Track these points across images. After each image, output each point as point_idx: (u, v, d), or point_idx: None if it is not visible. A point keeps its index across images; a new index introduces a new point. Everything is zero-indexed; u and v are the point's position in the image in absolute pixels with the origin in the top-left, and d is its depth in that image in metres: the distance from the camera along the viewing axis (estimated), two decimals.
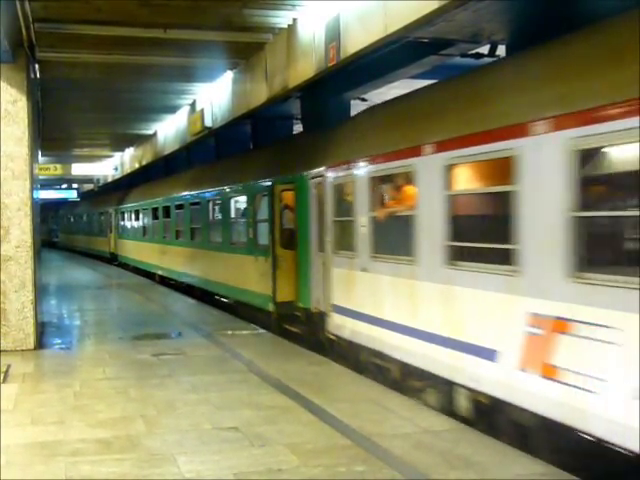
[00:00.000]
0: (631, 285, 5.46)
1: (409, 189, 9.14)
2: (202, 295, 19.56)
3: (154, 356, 10.99)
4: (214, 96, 17.60)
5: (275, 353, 11.25)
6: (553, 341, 6.34)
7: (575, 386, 6.06)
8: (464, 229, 7.96)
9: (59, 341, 12.57)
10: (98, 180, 43.96)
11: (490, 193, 7.90)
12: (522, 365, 6.75)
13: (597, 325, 5.82)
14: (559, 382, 6.25)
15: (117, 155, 35.70)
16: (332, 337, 11.20)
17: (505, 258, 6.98)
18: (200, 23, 12.23)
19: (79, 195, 49.67)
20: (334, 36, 10.34)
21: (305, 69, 11.56)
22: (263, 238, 14.55)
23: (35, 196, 12.49)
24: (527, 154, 6.66)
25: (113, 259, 35.29)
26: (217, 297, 18.56)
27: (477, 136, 7.43)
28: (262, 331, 13.44)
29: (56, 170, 36.44)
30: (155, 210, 25.91)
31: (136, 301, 19.11)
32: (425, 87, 10.18)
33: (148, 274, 27.01)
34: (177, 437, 6.85)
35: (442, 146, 8.08)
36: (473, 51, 11.92)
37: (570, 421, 6.19)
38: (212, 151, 23.72)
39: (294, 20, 11.89)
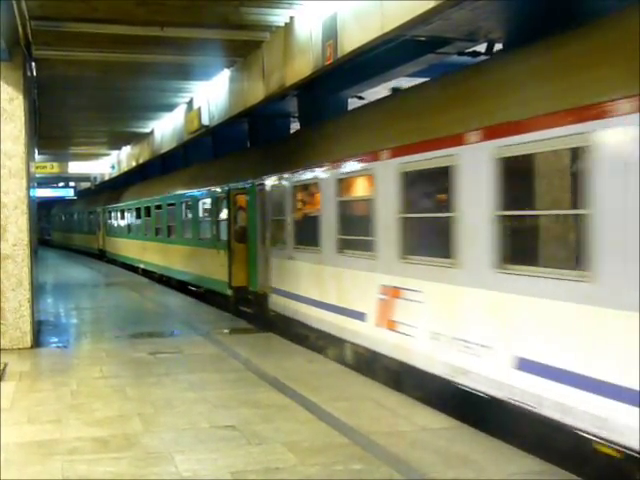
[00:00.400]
0: (426, 263, 8.44)
1: (317, 196, 11.91)
2: (180, 286, 21.71)
3: (151, 354, 10.99)
4: (211, 94, 17.59)
5: (272, 351, 11.26)
6: (392, 303, 9.20)
7: (404, 333, 8.88)
8: (348, 226, 10.86)
9: (56, 339, 12.56)
10: (95, 178, 43.92)
11: (362, 200, 10.67)
12: (377, 322, 9.60)
13: (412, 290, 8.73)
14: (397, 332, 9.07)
15: (114, 153, 35.66)
16: (273, 313, 13.92)
17: (369, 246, 9.86)
18: (197, 21, 12.22)
19: (76, 193, 49.70)
20: (331, 34, 10.34)
21: (302, 67, 11.56)
22: (224, 234, 17.16)
23: (32, 194, 12.48)
24: (378, 173, 9.53)
25: (102, 255, 36.87)
26: (190, 287, 20.67)
27: (355, 158, 10.37)
28: (259, 329, 13.47)
29: (53, 168, 36.44)
30: (138, 210, 28.40)
31: (133, 299, 19.11)
32: (327, 121, 13.15)
33: (134, 268, 29.08)
34: (174, 436, 6.85)
35: (335, 163, 10.97)
36: (470, 49, 11.94)
37: (406, 359, 8.88)
38: (209, 149, 23.70)
39: (291, 18, 11.88)
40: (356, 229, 10.61)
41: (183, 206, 21.45)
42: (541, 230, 7.27)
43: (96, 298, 19.85)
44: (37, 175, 27.20)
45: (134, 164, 31.57)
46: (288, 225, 13.00)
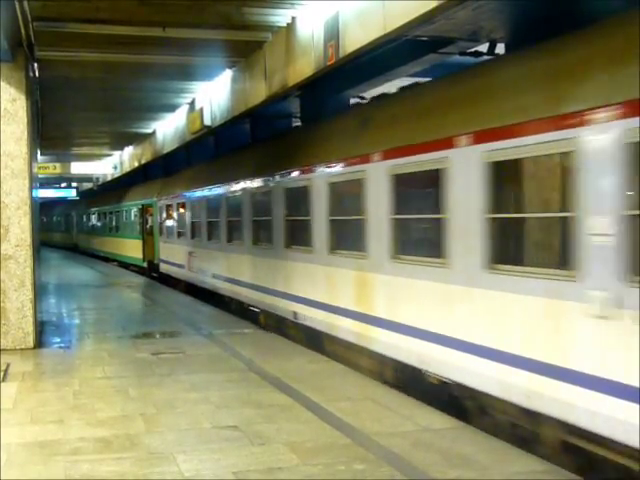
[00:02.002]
0: (197, 240, 19.79)
1: (172, 210, 23.24)
2: (126, 266, 32.01)
3: (153, 355, 11.00)
4: (213, 95, 17.60)
5: (274, 352, 11.25)
6: (191, 259, 20.55)
7: (194, 272, 20.21)
8: (181, 226, 21.69)
9: (58, 340, 12.58)
10: (97, 179, 43.94)
11: (182, 214, 22.04)
12: (187, 269, 20.99)
13: (196, 253, 19.97)
14: (192, 272, 20.46)
15: (116, 154, 35.67)
16: (162, 273, 25.00)
17: (184, 234, 21.22)
18: (199, 22, 12.21)
19: (78, 194, 49.89)
20: (333, 35, 10.33)
21: (304, 68, 11.55)
22: (141, 231, 29.32)
23: (34, 195, 12.49)
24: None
25: (76, 248, 47.91)
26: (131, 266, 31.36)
27: (176, 194, 22.66)
28: (259, 330, 13.50)
29: (55, 169, 36.45)
30: (99, 214, 40.66)
31: (135, 300, 19.13)
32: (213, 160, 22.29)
33: (97, 257, 39.60)
34: (176, 436, 6.86)
35: (178, 195, 22.15)
36: (472, 49, 11.90)
37: (196, 283, 20.08)
38: (211, 150, 23.72)
39: (293, 19, 11.88)
40: (182, 227, 21.38)
41: (123, 213, 33.44)
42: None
43: (98, 298, 19.86)
44: (39, 176, 27.21)
45: (136, 165, 31.58)
46: (165, 225, 24.78)
